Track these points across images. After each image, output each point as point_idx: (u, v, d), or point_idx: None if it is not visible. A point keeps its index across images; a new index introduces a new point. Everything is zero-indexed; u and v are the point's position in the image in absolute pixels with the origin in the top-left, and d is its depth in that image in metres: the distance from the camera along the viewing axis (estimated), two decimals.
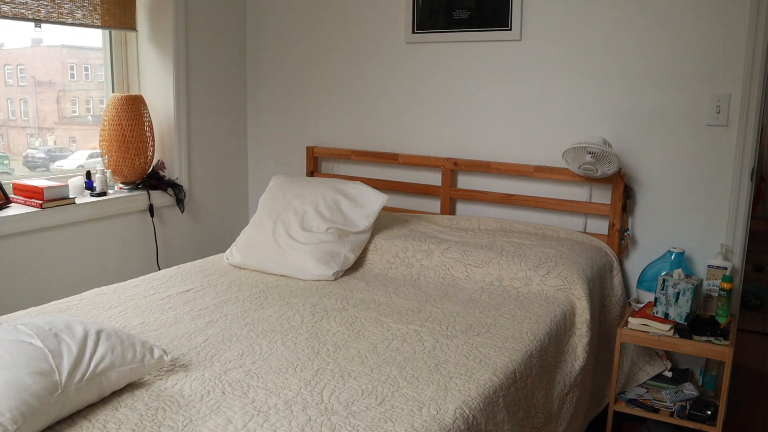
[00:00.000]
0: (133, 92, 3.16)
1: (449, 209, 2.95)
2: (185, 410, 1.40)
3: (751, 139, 2.40)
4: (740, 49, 2.38)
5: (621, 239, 2.64)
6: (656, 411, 2.38)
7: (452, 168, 2.91)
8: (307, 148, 3.31)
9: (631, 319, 2.34)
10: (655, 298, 2.31)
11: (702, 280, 2.38)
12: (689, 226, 2.56)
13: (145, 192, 3.00)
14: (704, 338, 2.28)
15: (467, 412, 1.46)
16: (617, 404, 2.39)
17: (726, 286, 2.39)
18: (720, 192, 2.49)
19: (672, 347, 2.31)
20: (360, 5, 3.13)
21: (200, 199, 3.34)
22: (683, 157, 2.54)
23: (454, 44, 2.91)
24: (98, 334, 1.48)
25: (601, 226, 2.73)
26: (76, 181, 2.79)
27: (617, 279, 2.56)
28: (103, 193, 2.83)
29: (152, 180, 3.05)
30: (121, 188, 2.98)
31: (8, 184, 2.63)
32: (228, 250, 2.63)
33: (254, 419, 1.37)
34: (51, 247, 2.64)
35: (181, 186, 3.16)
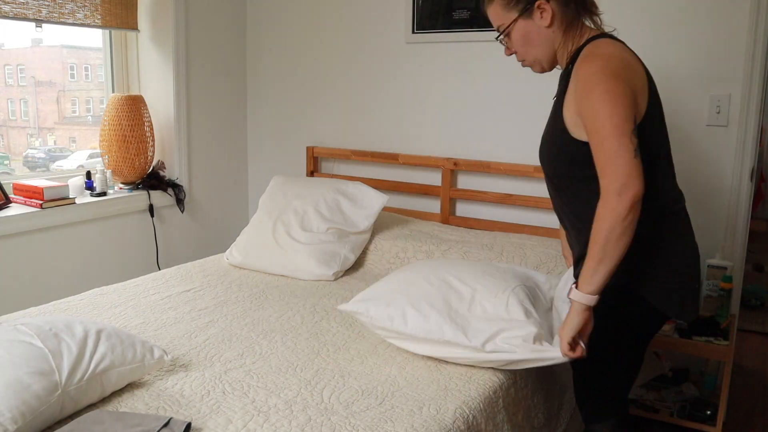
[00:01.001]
0: (133, 92, 3.16)
1: (449, 209, 2.95)
2: (185, 410, 1.40)
3: (751, 139, 2.40)
4: (740, 49, 2.38)
5: None
6: (656, 411, 2.38)
7: (452, 168, 2.91)
8: (307, 148, 3.31)
9: None
10: None
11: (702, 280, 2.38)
12: None
13: (145, 192, 3.00)
14: (704, 338, 2.29)
15: (467, 412, 1.46)
16: None
17: (726, 286, 2.39)
18: (720, 192, 2.49)
19: (672, 347, 2.31)
20: (360, 5, 3.13)
21: (200, 199, 3.34)
22: (683, 157, 2.53)
23: (454, 44, 2.91)
24: (98, 334, 1.48)
25: None
26: (76, 181, 2.80)
27: None
28: (103, 193, 2.83)
29: (152, 180, 3.05)
30: (121, 188, 2.98)
31: (8, 184, 2.63)
32: (228, 250, 2.63)
33: (254, 419, 1.37)
34: (51, 247, 2.64)
35: (181, 186, 3.16)
